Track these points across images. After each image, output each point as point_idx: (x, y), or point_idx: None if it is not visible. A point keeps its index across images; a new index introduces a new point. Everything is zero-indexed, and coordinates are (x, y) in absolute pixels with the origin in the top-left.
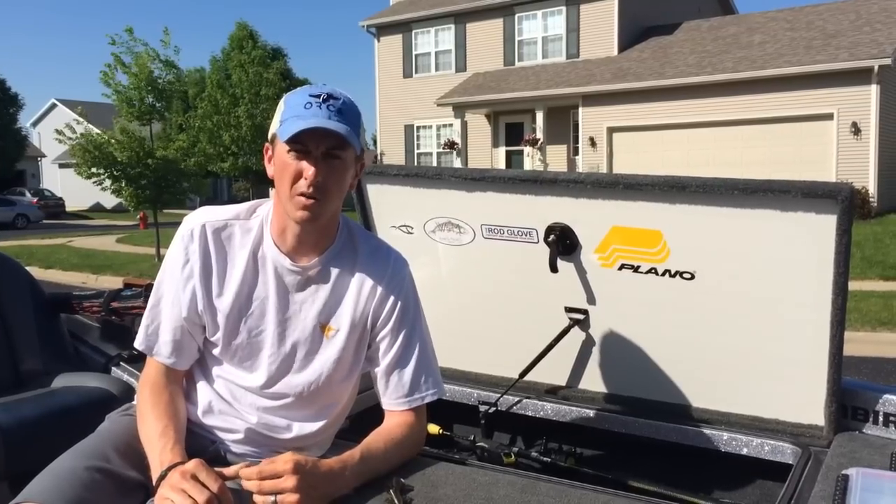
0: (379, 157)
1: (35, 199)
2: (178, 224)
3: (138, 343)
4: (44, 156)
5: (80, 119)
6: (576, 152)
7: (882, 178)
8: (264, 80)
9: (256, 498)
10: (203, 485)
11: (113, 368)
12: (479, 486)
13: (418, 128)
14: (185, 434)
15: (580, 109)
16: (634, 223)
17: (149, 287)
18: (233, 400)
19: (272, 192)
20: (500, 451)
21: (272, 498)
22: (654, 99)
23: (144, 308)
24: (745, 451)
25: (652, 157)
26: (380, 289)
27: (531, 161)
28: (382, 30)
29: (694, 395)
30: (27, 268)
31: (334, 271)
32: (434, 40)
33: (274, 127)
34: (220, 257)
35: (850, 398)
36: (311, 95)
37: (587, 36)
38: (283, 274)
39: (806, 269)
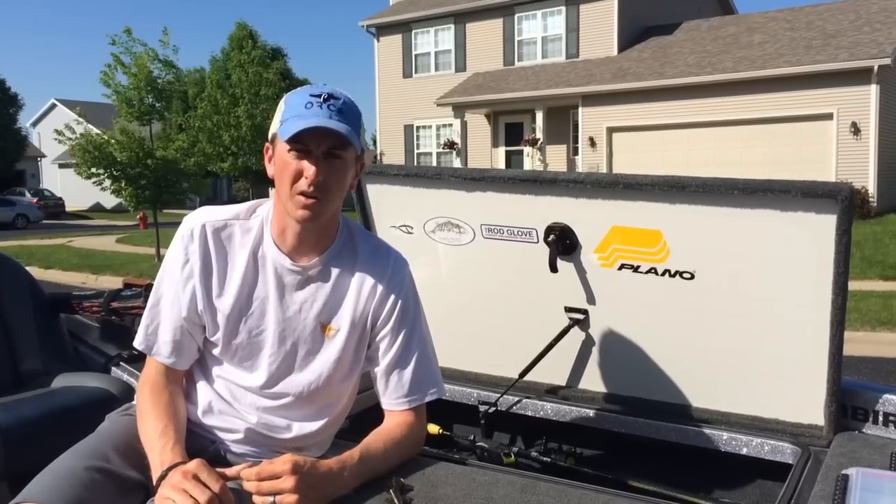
0: (379, 157)
1: (35, 200)
2: (177, 224)
3: (138, 343)
4: (44, 156)
5: (81, 119)
6: (575, 152)
7: (882, 178)
8: (264, 80)
9: (255, 498)
10: (204, 485)
11: (113, 368)
12: (478, 486)
13: (418, 128)
14: (185, 434)
15: (580, 109)
16: (634, 223)
17: (148, 287)
18: (233, 400)
19: (272, 192)
20: (499, 451)
21: (271, 498)
22: (653, 99)
23: (144, 308)
24: (744, 451)
25: (652, 157)
26: (380, 288)
27: (531, 161)
28: (382, 30)
29: (694, 395)
30: (27, 268)
31: (334, 271)
32: (434, 40)
33: (274, 127)
34: (220, 257)
35: (849, 398)
36: (311, 95)
37: (587, 36)
38: (284, 274)
39: (806, 269)
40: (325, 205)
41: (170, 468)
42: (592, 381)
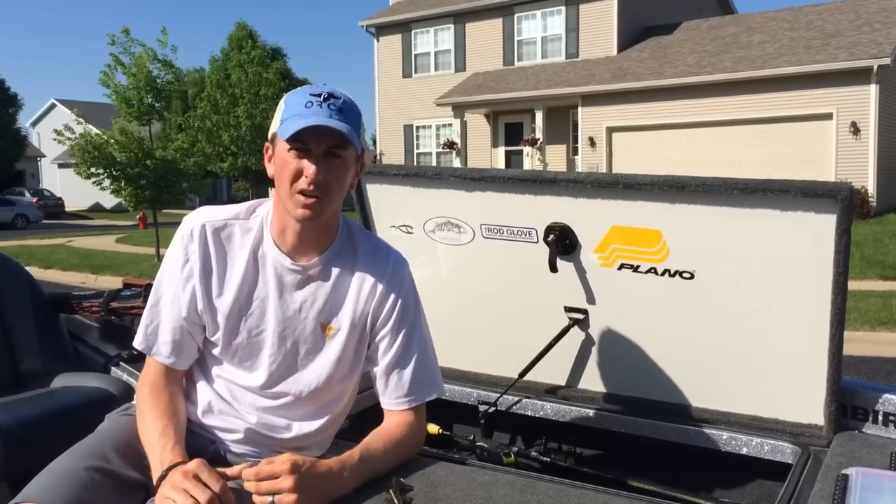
0: (378, 157)
1: (34, 199)
2: (177, 224)
3: (137, 343)
4: (43, 156)
5: (80, 119)
6: (575, 152)
7: (881, 178)
8: (264, 79)
9: (255, 498)
10: (205, 485)
11: (112, 368)
12: (478, 486)
13: (418, 128)
14: (185, 434)
15: (579, 109)
16: (634, 223)
17: (148, 287)
18: (232, 400)
19: (272, 191)
20: (499, 450)
21: (270, 498)
22: (653, 99)
23: (144, 308)
24: (744, 451)
25: (651, 156)
26: (380, 288)
27: (530, 161)
28: (382, 30)
29: (694, 395)
30: (27, 268)
31: (334, 270)
32: (433, 40)
33: (274, 126)
34: (219, 257)
35: (849, 398)
36: (311, 94)
37: (586, 36)
38: (284, 273)
39: (805, 269)
40: (325, 204)
41: (170, 468)
42: (592, 380)
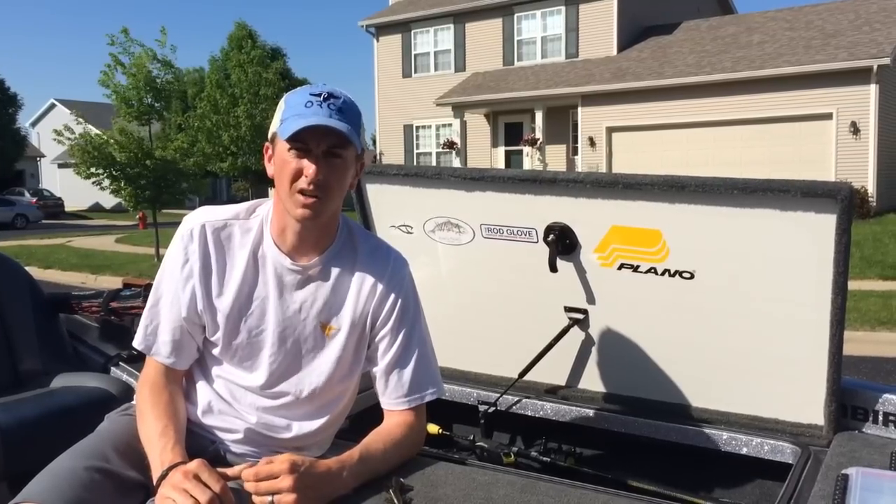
0: (378, 157)
1: (34, 199)
2: (177, 224)
3: (137, 343)
4: (43, 156)
5: (80, 119)
6: (575, 152)
7: (881, 178)
8: (263, 79)
9: (254, 498)
10: (205, 485)
11: (112, 368)
12: (478, 486)
13: (417, 128)
14: (185, 434)
15: (579, 109)
16: (634, 223)
17: (148, 287)
18: (232, 400)
19: (272, 191)
20: (499, 450)
21: (269, 498)
22: (653, 99)
23: (143, 308)
24: (744, 451)
25: (651, 156)
26: (380, 288)
27: (530, 161)
28: (381, 30)
29: (693, 395)
30: (26, 268)
31: (334, 270)
32: (433, 40)
33: (274, 126)
34: (219, 257)
35: (849, 398)
36: (311, 94)
37: (586, 36)
38: (283, 273)
39: (805, 269)
40: (325, 203)
41: (170, 468)
42: (592, 380)
